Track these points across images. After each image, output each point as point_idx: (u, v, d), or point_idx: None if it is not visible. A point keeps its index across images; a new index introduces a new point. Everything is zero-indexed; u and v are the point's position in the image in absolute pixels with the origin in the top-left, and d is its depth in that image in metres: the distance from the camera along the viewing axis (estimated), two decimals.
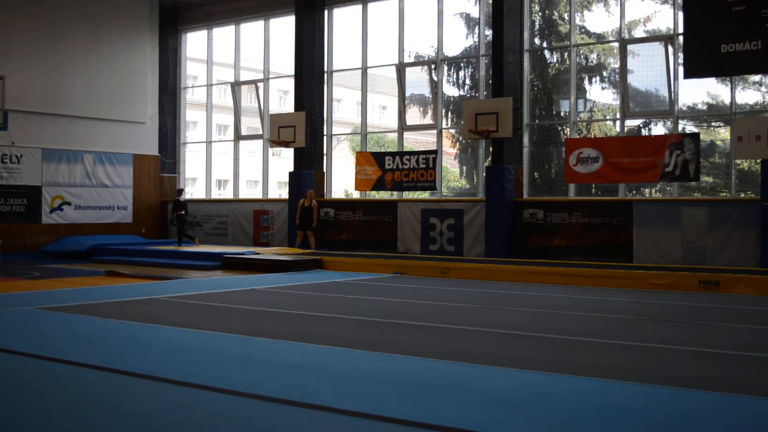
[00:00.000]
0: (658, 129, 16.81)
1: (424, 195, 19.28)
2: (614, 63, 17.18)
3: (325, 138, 20.61)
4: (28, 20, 20.04)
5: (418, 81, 19.58)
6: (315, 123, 20.13)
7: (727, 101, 15.64)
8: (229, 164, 23.07)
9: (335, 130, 21.46)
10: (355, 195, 20.87)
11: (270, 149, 21.66)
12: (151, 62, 22.92)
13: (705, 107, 16.54)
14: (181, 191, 20.89)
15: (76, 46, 21.07)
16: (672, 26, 15.91)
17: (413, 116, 20.16)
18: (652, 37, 16.34)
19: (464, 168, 20.79)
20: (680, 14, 15.27)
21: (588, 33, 17.79)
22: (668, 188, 16.39)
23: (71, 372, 6.06)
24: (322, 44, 20.47)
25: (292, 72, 20.60)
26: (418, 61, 19.53)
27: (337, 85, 21.15)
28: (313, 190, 18.92)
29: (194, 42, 23.95)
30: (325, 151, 20.60)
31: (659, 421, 4.69)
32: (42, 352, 6.72)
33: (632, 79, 16.52)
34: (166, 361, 6.45)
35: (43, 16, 20.35)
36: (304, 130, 19.23)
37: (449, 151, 20.85)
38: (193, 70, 25.25)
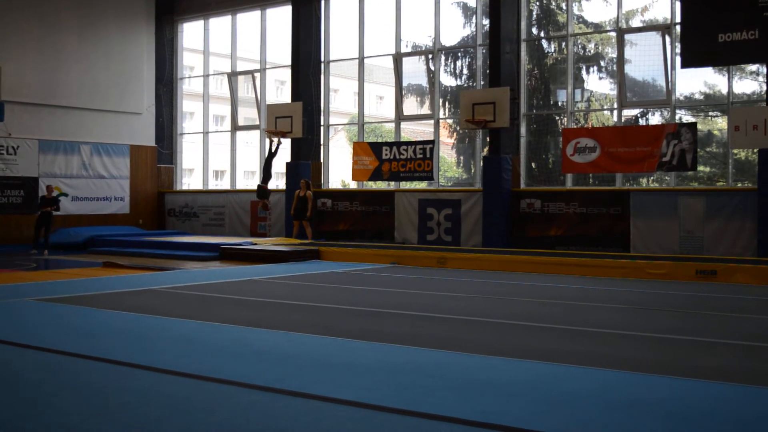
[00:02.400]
0: (656, 119, 16.80)
1: (422, 185, 19.27)
2: (612, 53, 17.16)
3: (322, 128, 20.58)
4: (23, 11, 19.96)
5: (415, 71, 19.54)
6: (312, 113, 20.11)
7: (725, 91, 15.63)
8: (226, 155, 23.03)
9: (332, 120, 21.43)
10: (353, 185, 20.86)
11: (267, 140, 21.62)
12: (148, 52, 22.85)
13: (702, 97, 16.54)
14: (50, 187, 18.36)
15: (72, 36, 20.99)
16: (669, 16, 15.89)
17: (410, 106, 20.13)
18: (650, 27, 16.32)
19: (461, 158, 20.80)
20: (678, 4, 15.24)
21: (585, 23, 17.76)
22: (665, 178, 16.40)
23: (68, 363, 6.06)
24: (319, 34, 20.42)
25: (289, 62, 20.57)
26: (415, 51, 19.49)
27: (334, 75, 21.10)
28: (308, 180, 18.88)
29: (191, 32, 23.86)
30: (322, 142, 20.58)
31: (656, 410, 4.71)
32: (39, 344, 6.72)
33: (629, 69, 16.50)
34: (163, 352, 6.45)
35: (39, 7, 20.27)
36: (301, 121, 19.20)
37: (446, 141, 20.85)
38: (189, 60, 25.18)
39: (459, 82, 19.25)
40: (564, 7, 17.53)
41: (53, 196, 18.08)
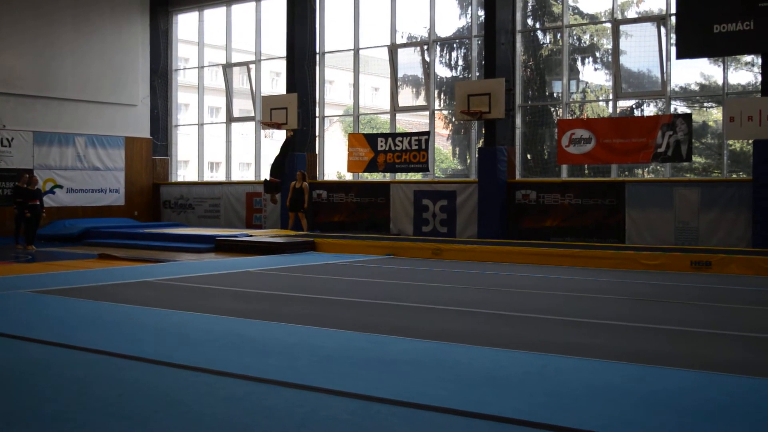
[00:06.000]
0: (651, 110, 16.81)
1: (417, 176, 19.27)
2: (607, 44, 17.15)
3: (317, 120, 20.55)
4: (17, 2, 19.86)
5: (410, 62, 19.51)
6: (307, 105, 20.07)
7: (720, 82, 15.65)
8: (221, 146, 22.99)
9: (327, 111, 21.40)
10: (348, 177, 20.85)
11: (262, 131, 21.60)
12: (142, 44, 22.78)
13: (697, 88, 16.55)
14: (30, 177, 16.70)
15: (67, 28, 20.91)
16: (665, 7, 15.87)
17: (405, 97, 20.11)
18: (645, 18, 16.31)
19: (457, 149, 20.78)
20: None
21: (581, 13, 17.74)
22: (660, 169, 16.42)
23: (64, 355, 6.06)
24: (314, 25, 20.37)
25: (284, 54, 20.51)
26: (411, 42, 19.45)
27: (329, 67, 21.06)
28: (304, 171, 18.86)
29: (185, 24, 23.80)
30: (317, 133, 20.55)
31: (649, 399, 4.73)
32: (35, 336, 6.72)
33: (625, 60, 16.50)
34: (159, 343, 6.45)
35: None
36: (296, 112, 19.16)
37: (442, 133, 20.82)
38: (184, 52, 25.11)
39: (454, 74, 19.23)
40: None
41: (37, 188, 16.68)
